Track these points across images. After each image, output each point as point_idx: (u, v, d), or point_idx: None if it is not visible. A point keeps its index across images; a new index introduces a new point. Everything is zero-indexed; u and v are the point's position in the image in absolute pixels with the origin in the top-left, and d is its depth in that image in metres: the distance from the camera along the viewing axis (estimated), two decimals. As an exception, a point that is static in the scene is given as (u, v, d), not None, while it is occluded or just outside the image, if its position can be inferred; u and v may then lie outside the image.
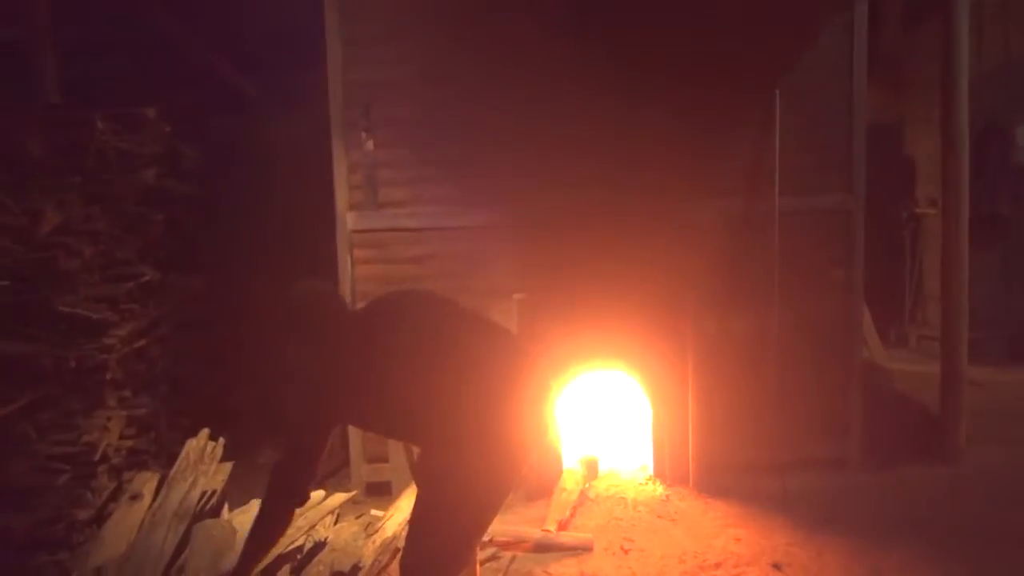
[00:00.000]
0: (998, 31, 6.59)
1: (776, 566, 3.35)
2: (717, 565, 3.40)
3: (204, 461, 3.65)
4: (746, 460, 4.29)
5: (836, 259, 4.37)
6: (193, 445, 3.74)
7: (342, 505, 3.82)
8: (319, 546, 3.39)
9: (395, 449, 4.20)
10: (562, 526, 3.74)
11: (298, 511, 3.61)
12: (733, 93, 4.26)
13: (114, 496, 3.60)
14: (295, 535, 3.41)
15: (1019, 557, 3.34)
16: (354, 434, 4.32)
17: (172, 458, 4.08)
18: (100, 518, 3.43)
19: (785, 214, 4.24)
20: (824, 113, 4.33)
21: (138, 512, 3.34)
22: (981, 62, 6.29)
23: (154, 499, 3.46)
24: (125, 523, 3.26)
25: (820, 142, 4.34)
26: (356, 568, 3.19)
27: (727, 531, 3.72)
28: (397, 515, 3.62)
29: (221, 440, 3.92)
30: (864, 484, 4.22)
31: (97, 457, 3.46)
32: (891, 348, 7.18)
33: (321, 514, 3.62)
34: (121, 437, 3.76)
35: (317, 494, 3.84)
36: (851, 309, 4.41)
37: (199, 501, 3.43)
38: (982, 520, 3.71)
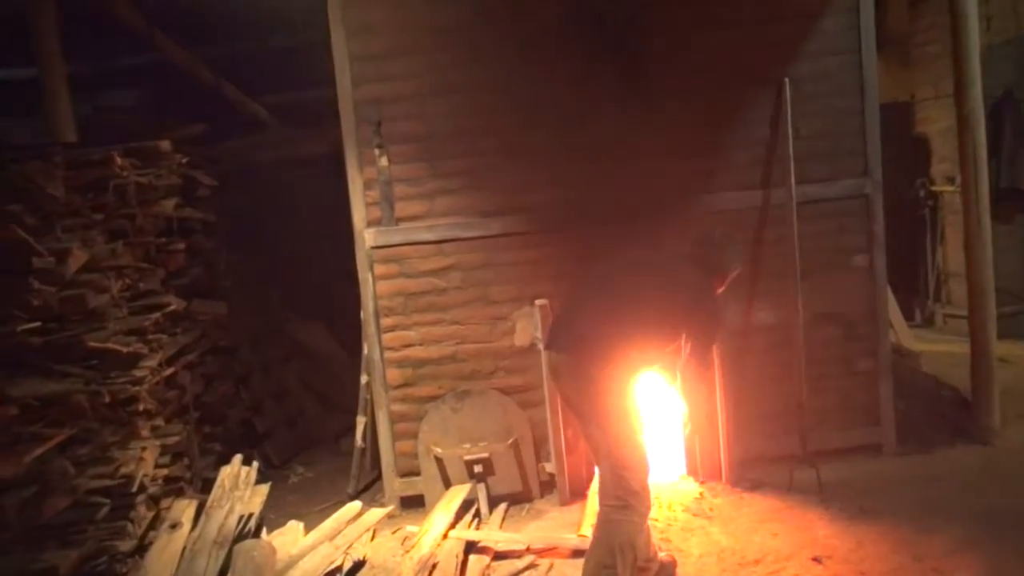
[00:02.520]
0: (1006, 1, 6.51)
1: (816, 559, 3.33)
2: (756, 561, 3.39)
3: (239, 487, 3.69)
4: (778, 452, 4.27)
5: (858, 245, 4.34)
6: (228, 472, 3.78)
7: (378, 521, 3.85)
8: (358, 565, 3.42)
9: (427, 462, 4.22)
10: (598, 530, 3.73)
11: (335, 527, 3.67)
12: (744, 83, 4.25)
13: (153, 525, 3.64)
14: (334, 555, 3.44)
15: (1063, 537, 3.30)
16: (386, 449, 4.34)
17: (206, 483, 4.14)
18: (141, 548, 3.47)
19: (803, 202, 4.21)
20: (836, 98, 4.29)
21: (179, 540, 3.38)
22: (990, 34, 6.23)
23: (193, 526, 3.50)
24: (167, 552, 3.30)
25: (833, 128, 4.30)
26: (397, 585, 3.21)
27: (764, 526, 3.70)
28: (432, 530, 3.64)
29: (255, 464, 3.96)
30: (899, 470, 4.18)
31: (135, 488, 3.50)
32: (917, 328, 7.11)
33: (359, 531, 3.66)
34: (156, 466, 3.80)
35: (353, 508, 3.87)
36: (876, 294, 4.38)
37: (237, 525, 3.47)
38: (1021, 501, 3.67)
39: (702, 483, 4.20)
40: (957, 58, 4.37)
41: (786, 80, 4.19)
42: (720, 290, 3.22)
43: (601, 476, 3.04)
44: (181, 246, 4.40)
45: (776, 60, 4.24)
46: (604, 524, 2.97)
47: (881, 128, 4.33)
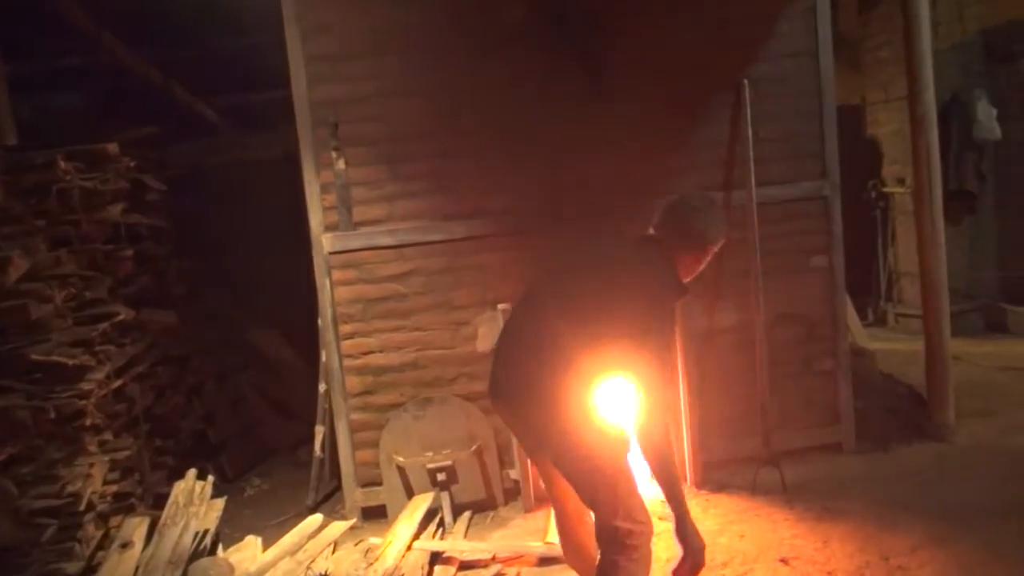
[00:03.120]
0: (952, 7, 6.68)
1: (784, 560, 3.33)
2: (724, 564, 3.38)
3: (194, 502, 3.55)
4: (742, 454, 4.28)
5: (817, 246, 4.37)
6: (181, 487, 3.64)
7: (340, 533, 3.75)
8: (321, 580, 3.31)
9: (388, 471, 4.13)
10: (565, 537, 3.68)
11: (296, 542, 3.56)
12: (704, 85, 4.25)
13: (102, 545, 3.49)
14: (295, 570, 3.33)
15: None
16: (345, 457, 4.23)
17: (159, 498, 3.98)
18: (90, 570, 3.32)
19: (763, 204, 4.23)
20: (794, 100, 4.33)
21: (130, 561, 3.24)
22: (937, 40, 6.37)
23: (145, 545, 3.36)
24: (117, 573, 3.16)
25: (792, 130, 4.33)
26: (361, 600, 3.12)
27: (730, 528, 3.70)
28: (396, 541, 3.56)
29: (210, 478, 3.83)
30: (859, 468, 4.22)
31: (82, 506, 3.35)
32: (869, 328, 7.24)
33: (321, 545, 3.55)
34: (105, 482, 3.65)
35: (314, 521, 3.76)
36: (835, 295, 4.42)
37: (192, 543, 3.34)
38: (984, 495, 3.72)
39: (667, 486, 4.17)
40: (910, 62, 4.44)
41: (745, 82, 4.21)
42: (700, 267, 2.75)
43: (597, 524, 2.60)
44: (129, 253, 4.23)
45: (735, 62, 4.26)
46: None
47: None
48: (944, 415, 4.50)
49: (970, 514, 3.54)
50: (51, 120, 5.36)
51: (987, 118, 6.43)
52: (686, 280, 2.70)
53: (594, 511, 2.59)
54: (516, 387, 2.59)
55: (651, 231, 2.74)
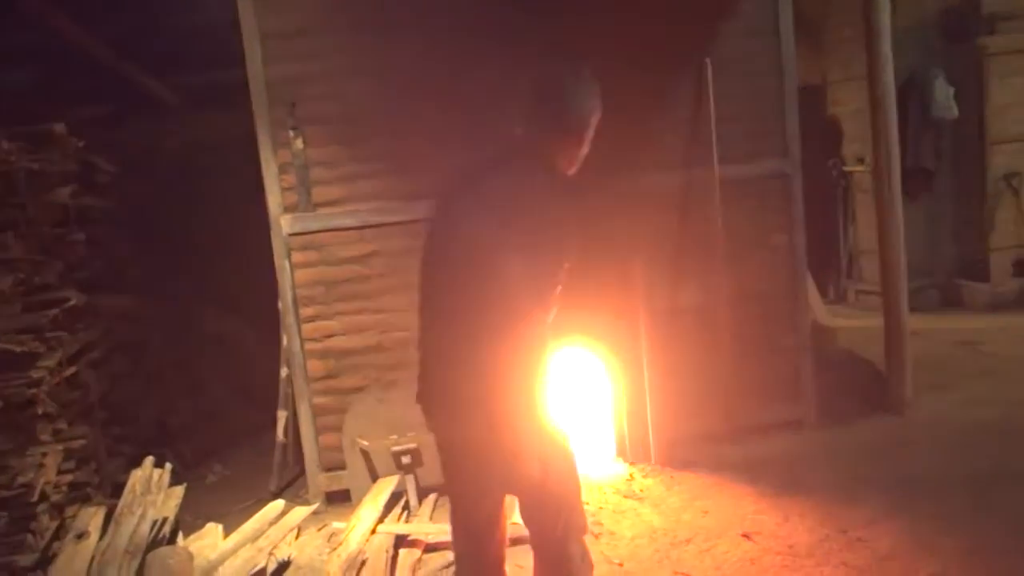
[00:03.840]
0: (912, -12, 6.73)
1: (746, 535, 3.37)
2: (688, 540, 3.41)
3: (152, 491, 3.49)
4: (705, 431, 4.32)
5: (778, 224, 4.40)
6: (138, 475, 3.57)
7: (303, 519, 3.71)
8: (283, 566, 3.28)
9: (352, 455, 4.09)
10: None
11: (258, 528, 3.51)
12: (666, 65, 4.24)
13: (57, 536, 3.41)
14: (257, 557, 3.29)
15: (978, 500, 3.43)
16: (308, 442, 4.18)
17: (116, 487, 3.90)
18: (45, 561, 3.24)
19: (725, 183, 4.24)
20: (755, 79, 4.33)
21: (86, 551, 3.17)
22: (896, 18, 6.42)
23: (102, 535, 3.29)
24: (73, 565, 3.09)
25: (754, 108, 4.34)
26: (324, 585, 3.09)
27: (694, 504, 3.73)
28: (359, 525, 3.53)
29: (168, 466, 3.76)
30: (821, 444, 4.29)
31: (35, 497, 3.27)
32: (831, 305, 7.35)
33: (283, 531, 3.51)
34: (59, 472, 3.56)
35: (276, 506, 3.72)
36: (795, 273, 4.46)
37: (151, 532, 3.28)
38: (938, 468, 3.81)
39: (632, 464, 4.21)
40: (870, 41, 4.47)
41: (707, 61, 4.20)
42: (584, 150, 2.30)
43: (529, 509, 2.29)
44: (80, 236, 4.11)
45: (698, 41, 4.25)
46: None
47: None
48: (902, 390, 4.58)
49: (925, 486, 3.61)
50: (-3, 100, 5.18)
51: (944, 97, 6.51)
52: (571, 172, 2.30)
53: (540, 532, 2.28)
54: (446, 406, 2.24)
55: (519, 131, 2.25)
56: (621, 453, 4.30)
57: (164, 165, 5.92)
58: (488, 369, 2.09)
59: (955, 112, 6.52)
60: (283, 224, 4.05)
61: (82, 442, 3.76)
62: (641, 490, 3.94)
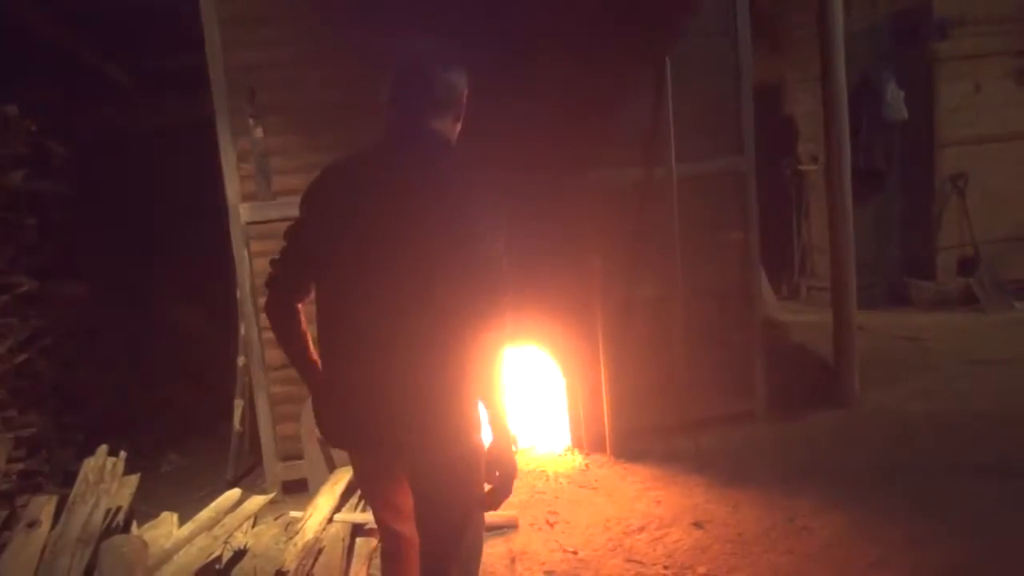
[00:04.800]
0: (865, -9, 6.89)
1: (697, 524, 3.46)
2: (641, 529, 3.48)
3: (105, 479, 3.45)
4: (659, 423, 4.40)
5: (732, 221, 4.49)
6: (91, 464, 3.53)
7: (260, 507, 3.70)
8: (239, 555, 3.27)
9: (310, 445, 4.09)
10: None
11: (213, 517, 3.49)
12: (625, 63, 4.29)
13: (8, 525, 3.36)
14: (212, 545, 3.28)
15: (919, 491, 3.56)
16: (266, 431, 4.17)
17: (68, 476, 3.86)
18: (-6, 550, 3.19)
19: (682, 179, 4.32)
20: (712, 78, 4.41)
21: (37, 540, 3.13)
22: (850, 21, 6.57)
23: (54, 524, 3.25)
24: (24, 554, 3.05)
25: (711, 107, 4.42)
26: (280, 574, 3.09)
27: (647, 494, 3.81)
28: (316, 514, 3.54)
29: (122, 454, 3.72)
30: (771, 436, 4.40)
31: (-16, 486, 3.22)
32: (784, 300, 7.51)
33: (239, 520, 3.50)
34: (10, 460, 3.51)
35: (232, 495, 3.71)
36: (749, 269, 4.56)
37: (104, 521, 3.25)
38: (882, 459, 3.94)
39: (587, 455, 4.28)
40: (823, 44, 4.57)
41: (667, 60, 4.27)
42: (458, 127, 2.16)
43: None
44: (31, 221, 4.04)
45: (657, 39, 4.30)
46: None
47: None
48: (850, 383, 4.72)
49: (870, 477, 3.74)
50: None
51: (895, 99, 6.68)
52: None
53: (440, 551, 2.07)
54: (388, 420, 1.95)
55: (415, 124, 2.05)
56: (577, 444, 4.37)
57: (123, 150, 5.81)
58: (477, 365, 1.90)
59: (905, 114, 6.70)
60: (242, 212, 4.02)
61: (32, 430, 3.72)
62: (596, 480, 4.01)
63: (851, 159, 4.71)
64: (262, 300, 4.08)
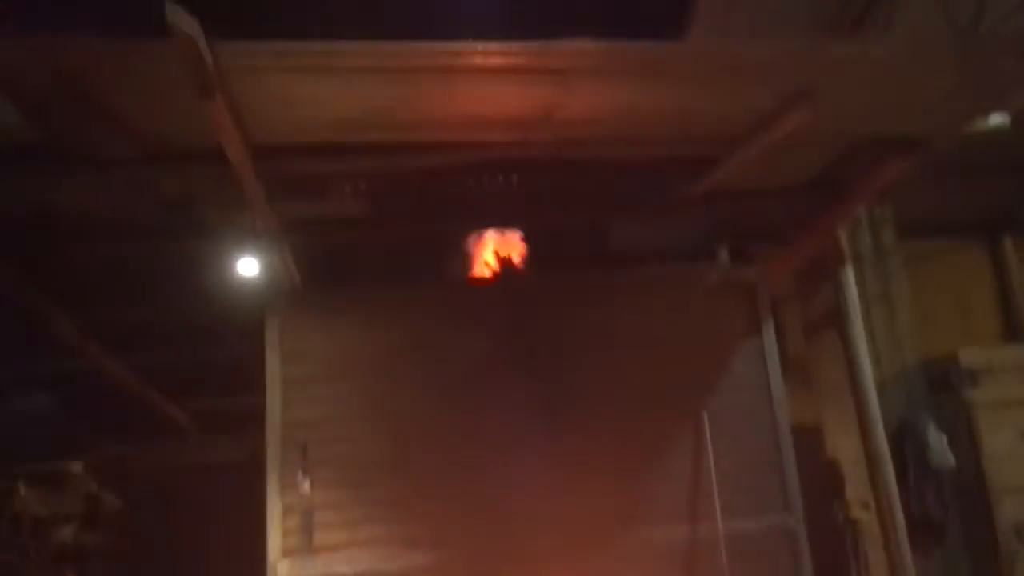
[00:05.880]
0: (890, 339, 7.15)
1: None
2: None
3: None
4: None
5: (787, 585, 4.27)
6: None
7: None
8: None
9: None
10: None
11: None
12: (663, 418, 4.41)
13: None
14: None
15: None
16: None
17: None
18: None
19: (729, 538, 4.19)
20: (751, 431, 4.49)
21: None
22: (881, 368, 6.74)
23: None
24: None
25: (751, 461, 4.44)
26: None
27: None
28: None
29: None
30: None
31: None
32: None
33: None
34: None
35: None
36: (811, 638, 4.23)
37: None
38: None
39: None
40: (856, 394, 4.69)
41: (704, 413, 4.38)
42: None
43: None
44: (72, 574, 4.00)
45: (695, 394, 4.46)
46: None
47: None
48: None
49: None
50: (19, 422, 5.31)
51: (937, 444, 6.60)
52: None
53: None
54: None
55: None
56: None
57: (168, 488, 5.88)
58: None
59: (952, 461, 6.57)
60: (280, 571, 3.95)
61: None
62: None
63: (905, 506, 4.56)
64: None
